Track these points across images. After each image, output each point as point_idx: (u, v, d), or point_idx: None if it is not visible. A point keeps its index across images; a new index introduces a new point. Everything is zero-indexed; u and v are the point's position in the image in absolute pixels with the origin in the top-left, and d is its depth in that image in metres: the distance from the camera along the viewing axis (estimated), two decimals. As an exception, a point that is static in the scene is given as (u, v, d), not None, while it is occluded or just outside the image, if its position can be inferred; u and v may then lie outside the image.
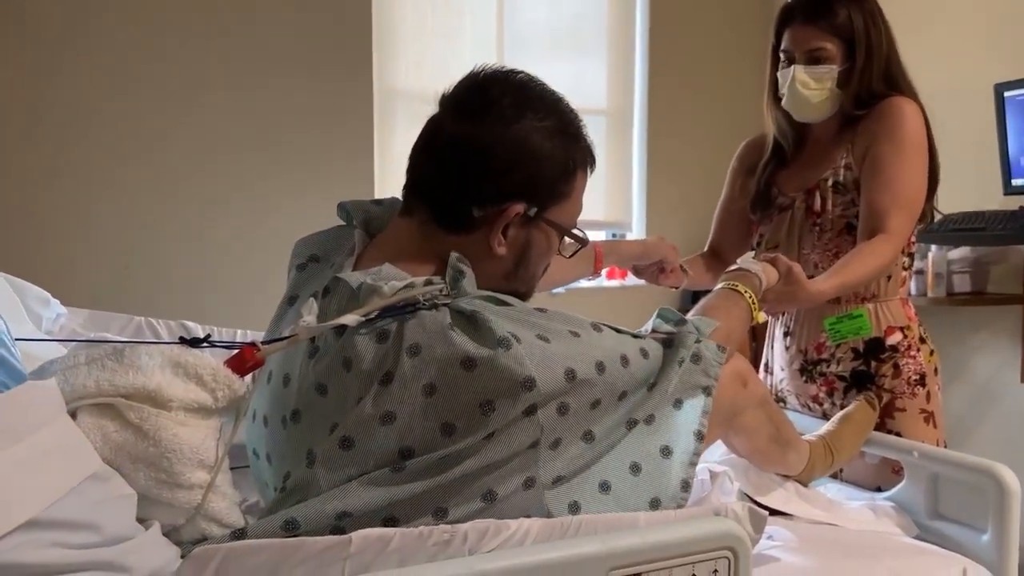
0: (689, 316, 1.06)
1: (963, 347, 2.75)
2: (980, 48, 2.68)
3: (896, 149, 1.37)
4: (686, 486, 0.92)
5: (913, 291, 2.59)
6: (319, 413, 0.84)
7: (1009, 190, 2.47)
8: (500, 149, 0.87)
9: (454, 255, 0.87)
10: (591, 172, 0.97)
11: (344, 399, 0.81)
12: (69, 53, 2.50)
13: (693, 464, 0.94)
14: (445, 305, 0.83)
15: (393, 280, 0.84)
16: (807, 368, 1.50)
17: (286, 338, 0.82)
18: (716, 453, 1.25)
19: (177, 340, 0.84)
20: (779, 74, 1.46)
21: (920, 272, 2.58)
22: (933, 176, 1.43)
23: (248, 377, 0.84)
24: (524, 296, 0.96)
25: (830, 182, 1.44)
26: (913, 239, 1.48)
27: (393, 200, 0.98)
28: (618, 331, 0.94)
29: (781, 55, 1.45)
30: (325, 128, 2.79)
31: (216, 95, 2.66)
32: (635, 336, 0.96)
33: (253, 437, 0.95)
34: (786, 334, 1.54)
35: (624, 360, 0.90)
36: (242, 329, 1.60)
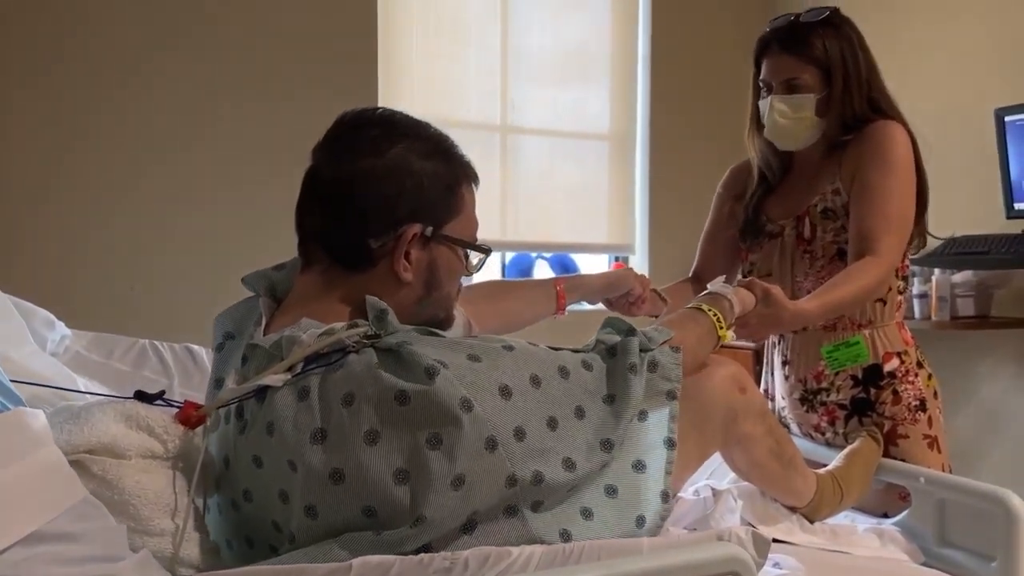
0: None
1: (968, 372, 2.74)
2: (981, 73, 2.71)
3: (884, 172, 1.35)
4: (666, 497, 0.91)
5: (917, 315, 2.59)
6: (263, 484, 0.82)
7: (1011, 214, 2.48)
8: (381, 178, 0.89)
9: (370, 297, 0.86)
10: (476, 187, 1.01)
11: (279, 466, 0.80)
12: (78, 73, 2.53)
13: (669, 473, 0.92)
14: (370, 346, 0.82)
15: (312, 328, 0.83)
16: (807, 398, 1.49)
17: (238, 399, 0.82)
18: (725, 480, 1.24)
19: (133, 394, 0.86)
20: (760, 104, 1.46)
21: (924, 296, 2.57)
22: (922, 198, 1.42)
23: (200, 428, 0.84)
24: (445, 321, 0.97)
25: (819, 208, 1.44)
26: (907, 263, 1.47)
27: (293, 261, 0.97)
28: (556, 349, 0.93)
29: (760, 84, 1.46)
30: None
31: (223, 119, 2.69)
32: (575, 351, 0.95)
33: (219, 528, 0.91)
34: (784, 363, 1.53)
35: (563, 372, 0.89)
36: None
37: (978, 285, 2.55)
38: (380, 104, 2.89)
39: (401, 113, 0.97)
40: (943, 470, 1.42)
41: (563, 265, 3.39)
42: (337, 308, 0.89)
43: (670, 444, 0.93)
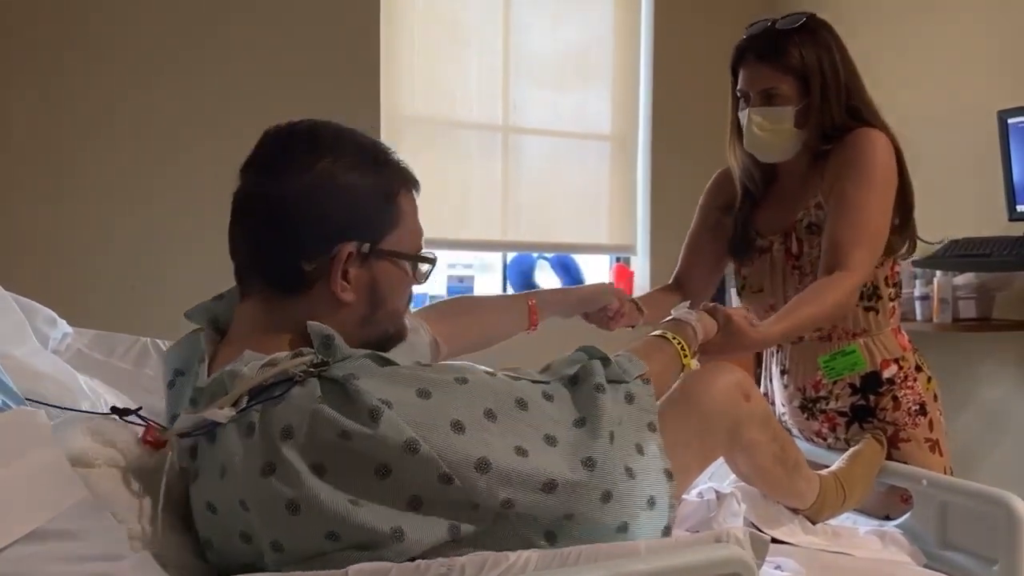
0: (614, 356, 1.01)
1: (969, 374, 2.74)
2: (984, 75, 2.71)
3: (860, 182, 1.31)
4: (668, 532, 0.89)
5: (919, 317, 2.59)
6: (221, 529, 0.81)
7: (1013, 216, 2.48)
8: (307, 196, 0.85)
9: (311, 323, 0.82)
10: (416, 192, 0.94)
11: (232, 509, 0.78)
12: (82, 74, 2.54)
13: (672, 508, 0.90)
14: (316, 376, 0.78)
15: (254, 361, 0.80)
16: (806, 406, 1.48)
17: (195, 431, 0.80)
18: (726, 482, 1.24)
19: (109, 409, 0.86)
20: (740, 115, 1.42)
21: (925, 298, 2.57)
22: (906, 204, 1.39)
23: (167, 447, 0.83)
24: (396, 336, 0.93)
25: (804, 223, 1.41)
26: (897, 269, 1.44)
27: (232, 290, 0.93)
28: (515, 378, 0.89)
29: (738, 95, 1.42)
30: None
31: (225, 121, 2.69)
32: (535, 381, 0.90)
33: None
34: (783, 372, 1.52)
35: (520, 403, 0.84)
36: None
37: (980, 287, 2.54)
38: (383, 103, 2.91)
39: (328, 124, 0.91)
40: (945, 473, 1.41)
41: (564, 266, 3.39)
42: (279, 337, 0.85)
43: (669, 476, 0.90)
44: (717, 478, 1.29)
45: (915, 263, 2.65)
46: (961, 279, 2.56)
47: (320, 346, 0.81)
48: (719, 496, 1.15)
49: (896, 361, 1.42)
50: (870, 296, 1.41)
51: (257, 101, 2.73)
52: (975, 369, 2.73)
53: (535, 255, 3.36)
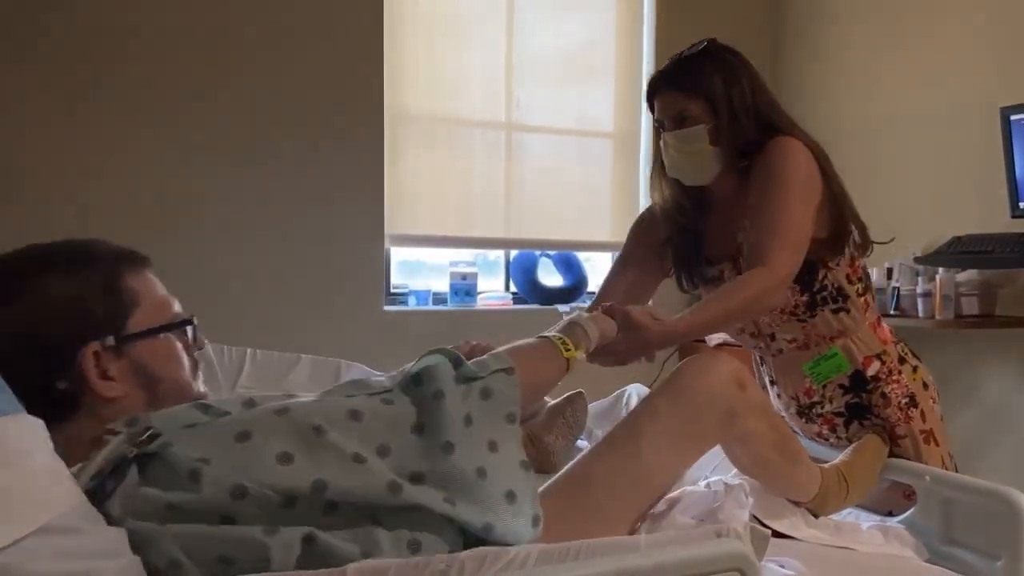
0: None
1: (972, 371, 2.74)
2: (987, 72, 2.70)
3: (774, 187, 1.31)
4: (536, 522, 0.87)
5: (921, 313, 2.59)
6: None
7: (1016, 213, 2.47)
8: (27, 321, 0.85)
9: (104, 427, 0.81)
10: (145, 266, 0.94)
11: None
12: (103, 75, 2.54)
13: (536, 498, 0.88)
14: (133, 460, 0.77)
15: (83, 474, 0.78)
16: (803, 411, 1.48)
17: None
18: (730, 474, 1.24)
19: None
20: (660, 144, 1.45)
21: (928, 294, 2.57)
22: (838, 205, 1.37)
23: None
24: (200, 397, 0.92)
25: (745, 247, 1.40)
26: (859, 264, 1.42)
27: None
28: (350, 395, 0.88)
29: (656, 125, 1.45)
30: (336, 148, 2.82)
31: (229, 119, 2.70)
32: (371, 393, 0.88)
33: None
34: (772, 383, 1.52)
35: (354, 415, 0.83)
36: (251, 348, 1.61)
37: (982, 284, 2.54)
38: (386, 101, 2.91)
39: (31, 246, 0.90)
40: (943, 461, 1.42)
41: (567, 263, 3.39)
42: (82, 451, 0.81)
43: (526, 467, 0.89)
44: (719, 472, 1.29)
45: (917, 259, 2.65)
46: (964, 276, 2.56)
47: (130, 434, 0.79)
48: (727, 488, 1.14)
49: (877, 357, 1.41)
50: (835, 299, 1.39)
51: (261, 100, 2.74)
52: (978, 366, 2.73)
53: (538, 253, 3.36)
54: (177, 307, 0.97)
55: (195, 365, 0.97)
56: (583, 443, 1.54)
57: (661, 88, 1.43)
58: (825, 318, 1.40)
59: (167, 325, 0.93)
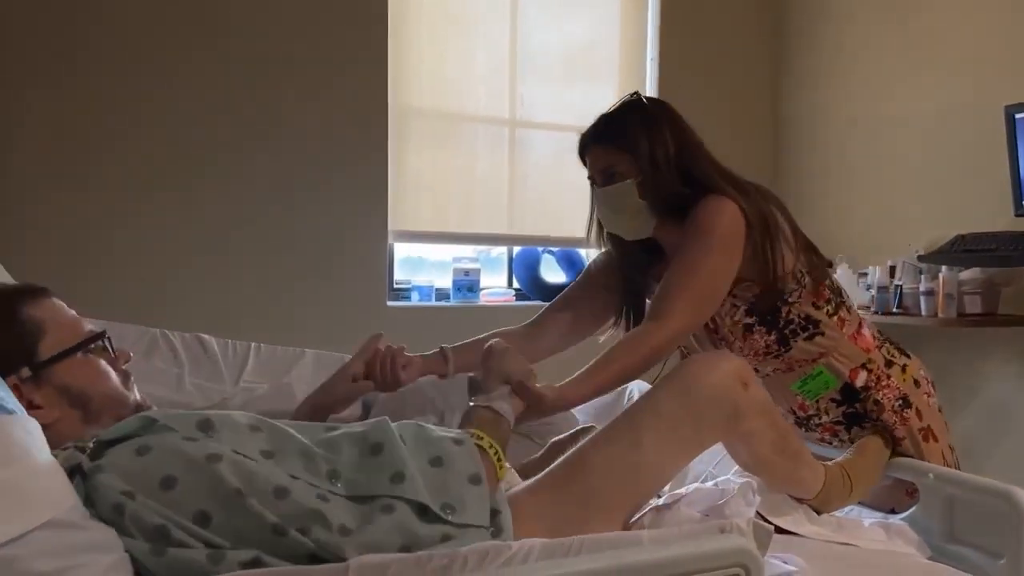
0: None
1: (974, 369, 2.74)
2: (991, 70, 2.70)
3: (697, 244, 1.30)
4: (495, 514, 0.89)
5: (923, 312, 2.58)
6: None
7: (1020, 211, 2.47)
8: None
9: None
10: (44, 295, 0.96)
11: None
12: (94, 72, 2.54)
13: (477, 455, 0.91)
14: (77, 471, 0.79)
15: None
16: (801, 423, 1.48)
17: None
18: (732, 471, 1.24)
19: None
20: (595, 201, 1.45)
21: (930, 293, 2.57)
22: (763, 259, 1.32)
23: None
24: (138, 411, 0.94)
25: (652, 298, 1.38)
26: (825, 284, 1.39)
27: None
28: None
29: (589, 180, 1.45)
30: (340, 145, 2.82)
31: (233, 114, 2.70)
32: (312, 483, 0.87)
33: None
34: None
35: (280, 492, 0.82)
36: (255, 342, 1.62)
37: (985, 283, 2.54)
38: (390, 97, 2.91)
39: None
40: (944, 456, 1.42)
41: (570, 260, 3.39)
42: None
43: (456, 441, 0.92)
44: (721, 468, 1.30)
45: (920, 258, 2.65)
46: (967, 274, 2.55)
47: (70, 466, 0.80)
48: (737, 486, 1.14)
49: (863, 367, 1.40)
50: (804, 328, 1.37)
51: (265, 95, 2.73)
52: (980, 364, 2.73)
53: (540, 249, 3.36)
54: (89, 325, 0.99)
55: (126, 377, 0.99)
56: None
57: (589, 145, 1.44)
58: (801, 347, 1.38)
59: (79, 344, 0.95)
